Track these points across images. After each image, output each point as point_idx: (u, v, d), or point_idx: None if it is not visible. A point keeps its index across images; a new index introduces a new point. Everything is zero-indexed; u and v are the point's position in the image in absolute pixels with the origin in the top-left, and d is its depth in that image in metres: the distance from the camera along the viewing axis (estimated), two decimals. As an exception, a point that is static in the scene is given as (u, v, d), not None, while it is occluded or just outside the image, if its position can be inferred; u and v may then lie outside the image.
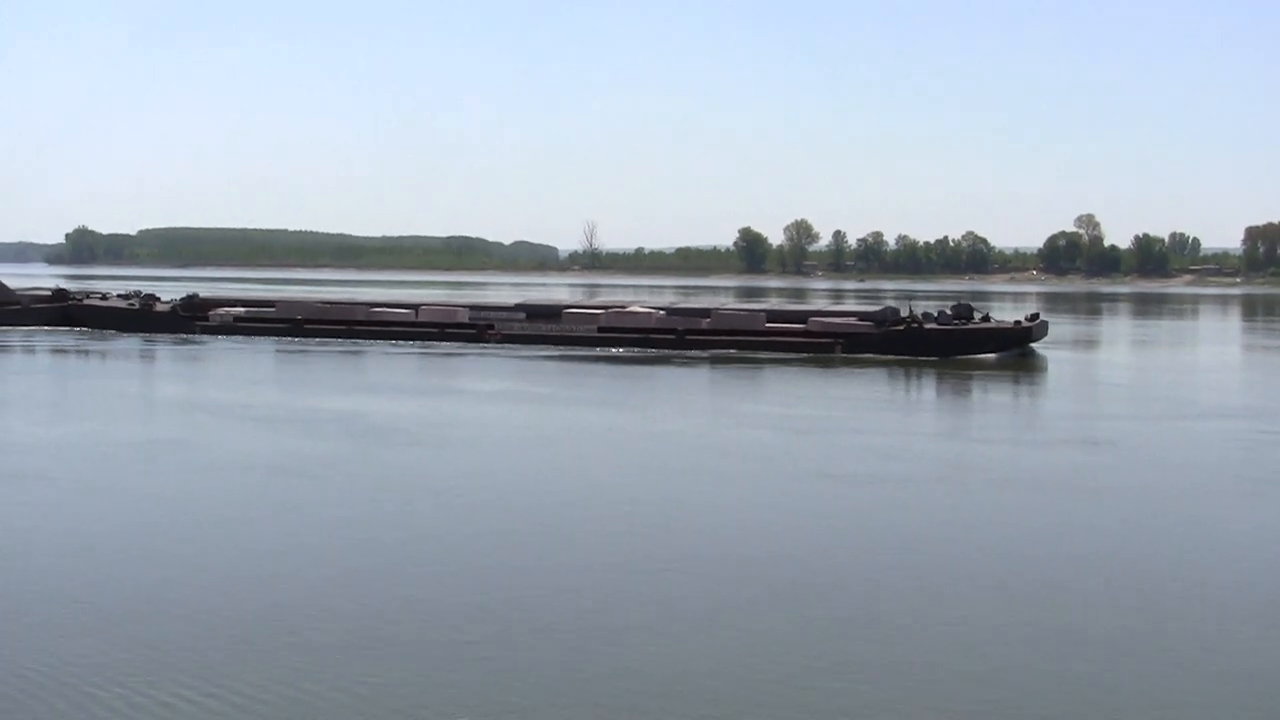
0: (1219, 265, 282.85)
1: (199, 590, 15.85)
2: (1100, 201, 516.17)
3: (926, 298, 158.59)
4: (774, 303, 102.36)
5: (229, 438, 28.99)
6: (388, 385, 42.59)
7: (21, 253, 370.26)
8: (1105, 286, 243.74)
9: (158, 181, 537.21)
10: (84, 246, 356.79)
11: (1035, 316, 59.57)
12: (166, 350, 56.77)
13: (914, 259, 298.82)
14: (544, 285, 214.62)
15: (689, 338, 57.04)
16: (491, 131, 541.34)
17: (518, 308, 63.76)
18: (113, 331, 64.51)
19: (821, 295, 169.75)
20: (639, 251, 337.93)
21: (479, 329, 59.87)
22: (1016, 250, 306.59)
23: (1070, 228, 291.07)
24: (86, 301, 68.32)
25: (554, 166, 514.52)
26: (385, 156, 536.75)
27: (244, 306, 67.11)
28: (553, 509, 21.17)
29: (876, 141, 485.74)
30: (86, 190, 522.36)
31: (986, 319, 57.99)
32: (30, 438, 29.33)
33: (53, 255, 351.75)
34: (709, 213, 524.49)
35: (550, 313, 62.60)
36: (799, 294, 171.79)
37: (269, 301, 68.94)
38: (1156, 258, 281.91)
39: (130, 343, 59.98)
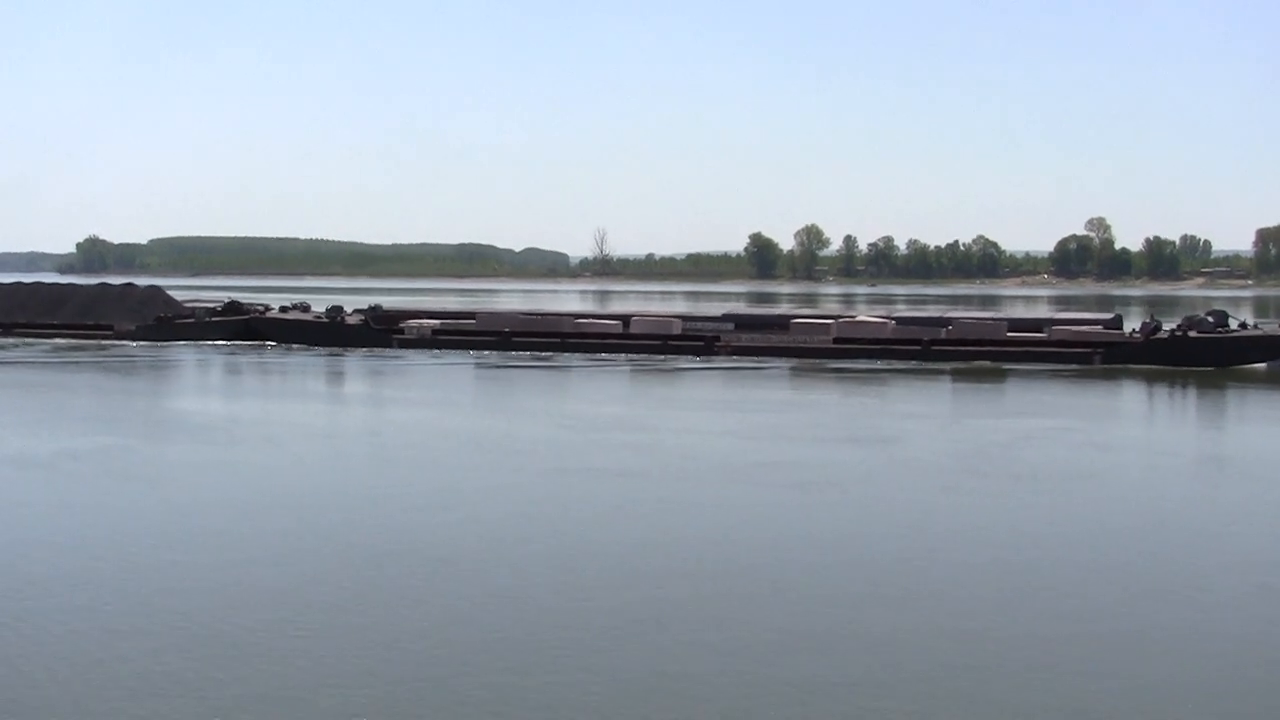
0: (1230, 267, 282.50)
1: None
2: (1111, 204, 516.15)
3: (937, 301, 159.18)
4: (961, 309, 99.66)
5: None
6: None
7: (33, 262, 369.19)
8: (1117, 289, 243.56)
9: (168, 190, 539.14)
10: (95, 256, 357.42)
11: None
12: (376, 365, 53.51)
13: (925, 263, 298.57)
14: (555, 292, 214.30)
15: (934, 348, 55.52)
16: (502, 139, 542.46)
17: (725, 318, 64.10)
18: (301, 346, 61.24)
19: (833, 300, 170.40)
20: (650, 258, 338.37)
21: (705, 341, 57.91)
22: (1027, 254, 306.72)
23: (1081, 231, 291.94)
24: (270, 314, 66.65)
25: (564, 173, 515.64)
26: (396, 164, 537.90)
27: (436, 319, 66.26)
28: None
29: (887, 146, 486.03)
30: (97, 200, 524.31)
31: (1244, 326, 55.40)
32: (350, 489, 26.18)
33: (63, 265, 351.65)
34: (720, 219, 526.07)
35: (768, 323, 62.58)
36: (810, 299, 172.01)
37: (464, 313, 68.48)
38: (1168, 260, 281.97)
39: (327, 358, 56.49)
